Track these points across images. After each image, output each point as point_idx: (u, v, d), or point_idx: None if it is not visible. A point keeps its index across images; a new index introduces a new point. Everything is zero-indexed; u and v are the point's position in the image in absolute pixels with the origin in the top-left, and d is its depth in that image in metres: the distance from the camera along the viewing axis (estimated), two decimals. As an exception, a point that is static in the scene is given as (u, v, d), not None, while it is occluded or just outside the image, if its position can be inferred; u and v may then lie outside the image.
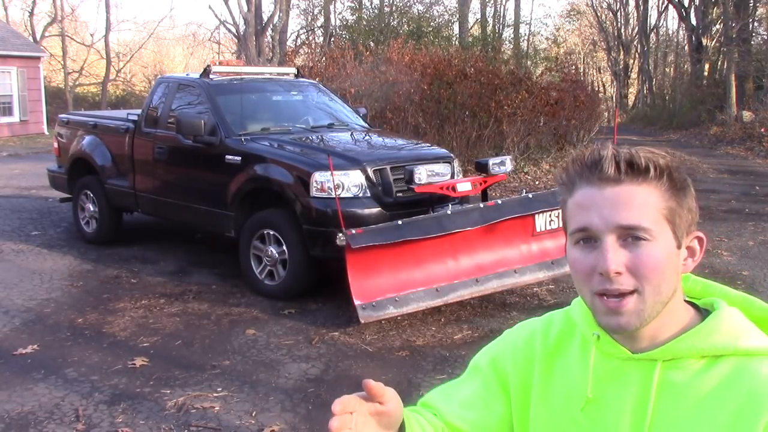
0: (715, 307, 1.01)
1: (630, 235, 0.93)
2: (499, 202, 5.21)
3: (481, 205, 5.10)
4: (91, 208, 7.22)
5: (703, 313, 1.02)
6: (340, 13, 26.10)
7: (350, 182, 5.21)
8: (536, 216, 5.22)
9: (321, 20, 25.52)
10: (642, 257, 0.93)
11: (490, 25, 29.79)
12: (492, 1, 31.59)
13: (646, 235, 0.93)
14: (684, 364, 0.96)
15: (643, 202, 0.93)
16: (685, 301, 1.03)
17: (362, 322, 4.57)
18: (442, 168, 5.69)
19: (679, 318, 0.99)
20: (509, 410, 1.14)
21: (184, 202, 6.25)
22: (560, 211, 1.03)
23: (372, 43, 18.62)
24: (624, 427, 0.98)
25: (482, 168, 5.70)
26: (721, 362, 0.95)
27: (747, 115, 20.25)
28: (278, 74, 7.53)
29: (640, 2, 32.53)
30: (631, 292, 0.93)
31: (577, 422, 1.03)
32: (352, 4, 25.04)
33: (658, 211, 0.94)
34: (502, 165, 5.68)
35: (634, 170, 0.94)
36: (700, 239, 1.00)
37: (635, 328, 0.95)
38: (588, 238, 0.96)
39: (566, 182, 0.99)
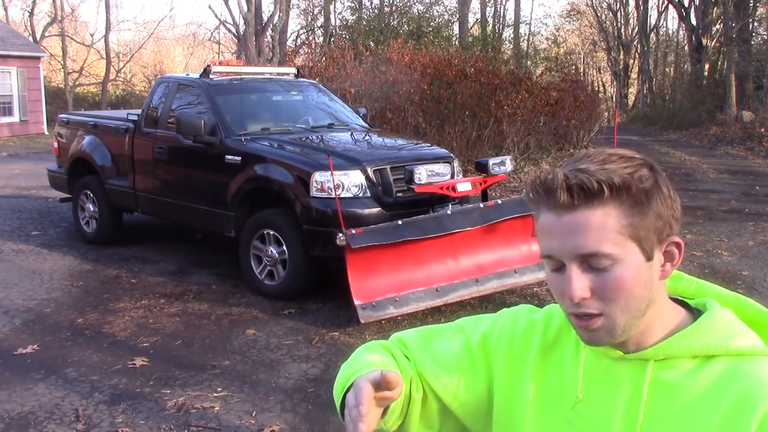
0: (708, 307, 1.00)
1: (591, 261, 0.92)
2: (499, 202, 5.21)
3: (481, 205, 5.10)
4: (91, 208, 7.22)
5: (695, 313, 1.01)
6: (340, 13, 26.12)
7: (350, 182, 5.21)
8: (536, 216, 5.21)
9: (321, 20, 25.52)
10: (606, 281, 0.92)
11: (490, 25, 29.78)
12: (492, 1, 31.61)
13: (607, 260, 0.91)
14: (676, 364, 0.96)
15: (600, 227, 0.90)
16: (677, 301, 1.03)
17: (362, 322, 4.57)
18: (442, 168, 5.69)
19: (667, 320, 0.99)
20: (486, 392, 1.12)
21: (184, 202, 6.25)
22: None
23: (372, 43, 18.62)
24: (616, 426, 0.98)
25: (482, 168, 5.70)
26: (713, 362, 0.95)
27: (747, 115, 20.26)
28: (278, 74, 7.53)
29: (640, 2, 32.53)
30: (599, 315, 0.93)
31: (569, 420, 1.03)
32: (352, 4, 25.05)
33: (617, 232, 0.91)
34: (502, 165, 5.67)
35: (587, 194, 0.90)
36: (677, 244, 0.97)
37: (608, 343, 0.96)
38: (556, 263, 0.96)
39: (532, 203, 0.98)
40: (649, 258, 0.94)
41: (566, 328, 1.09)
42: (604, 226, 0.91)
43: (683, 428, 0.93)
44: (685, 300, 1.05)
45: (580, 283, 0.92)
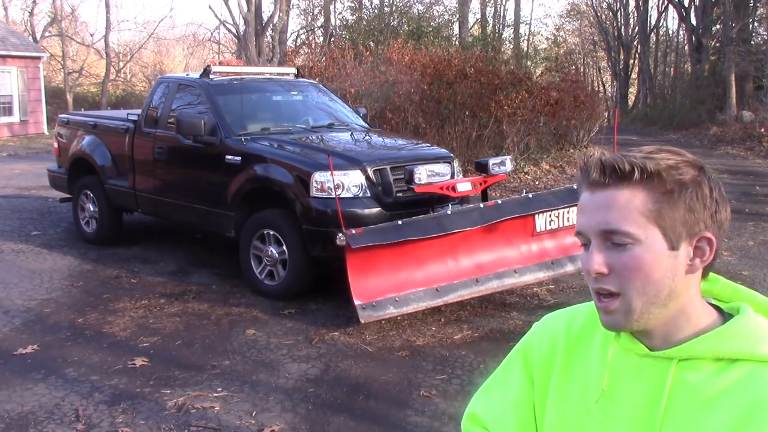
0: (741, 311, 1.01)
1: (612, 238, 0.96)
2: (499, 202, 5.21)
3: (481, 205, 5.09)
4: (91, 208, 7.22)
5: (726, 317, 1.02)
6: (340, 13, 26.10)
7: (350, 182, 5.21)
8: (536, 216, 5.22)
9: (321, 20, 25.51)
10: (624, 260, 0.95)
11: (490, 25, 29.78)
12: (492, 1, 31.64)
13: (627, 238, 0.95)
14: (699, 365, 0.97)
15: (624, 206, 0.95)
16: (711, 304, 1.03)
17: (362, 322, 4.57)
18: (442, 168, 5.69)
19: (696, 319, 0.99)
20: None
21: (184, 202, 6.25)
22: None
23: (372, 43, 18.60)
24: (636, 422, 0.99)
25: (482, 168, 5.70)
26: (736, 366, 0.95)
27: (747, 115, 20.25)
28: (278, 74, 7.53)
29: (640, 2, 32.52)
30: (618, 294, 0.96)
31: (591, 414, 1.05)
32: (352, 4, 25.04)
33: (642, 213, 0.95)
34: (502, 165, 5.67)
35: (617, 174, 0.96)
36: (709, 240, 0.98)
37: (625, 327, 0.98)
38: (584, 240, 1.00)
39: (577, 183, 1.05)
40: (673, 247, 0.96)
41: (591, 325, 1.12)
42: (628, 206, 0.95)
43: (696, 427, 0.93)
44: (720, 303, 1.05)
45: (598, 258, 0.96)
